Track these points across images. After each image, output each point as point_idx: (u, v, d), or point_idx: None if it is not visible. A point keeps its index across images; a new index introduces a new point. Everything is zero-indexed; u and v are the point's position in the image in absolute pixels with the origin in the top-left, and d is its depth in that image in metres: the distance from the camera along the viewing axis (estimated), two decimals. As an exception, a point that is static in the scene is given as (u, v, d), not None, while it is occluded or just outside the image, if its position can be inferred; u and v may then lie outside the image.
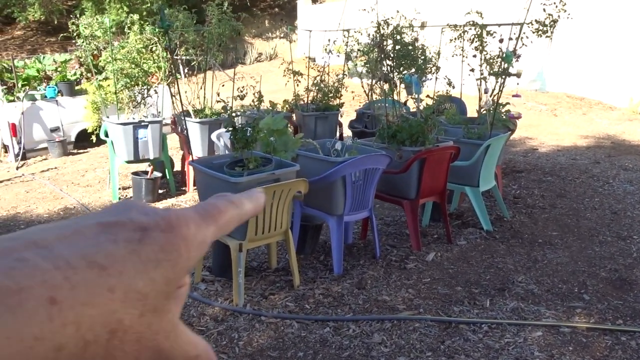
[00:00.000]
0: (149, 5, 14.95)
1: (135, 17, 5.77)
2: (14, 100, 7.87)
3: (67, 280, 0.24)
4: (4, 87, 8.13)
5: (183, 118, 5.19)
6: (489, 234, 4.32)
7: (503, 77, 4.86)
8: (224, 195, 0.33)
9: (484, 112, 5.06)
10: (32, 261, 0.24)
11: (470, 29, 4.98)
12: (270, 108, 5.85)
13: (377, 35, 4.46)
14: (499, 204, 4.73)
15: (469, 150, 4.32)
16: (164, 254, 0.27)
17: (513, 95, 5.17)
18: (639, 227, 4.43)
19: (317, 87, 6.26)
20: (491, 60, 5.04)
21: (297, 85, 6.24)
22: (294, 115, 6.19)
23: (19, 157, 7.56)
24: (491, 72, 4.98)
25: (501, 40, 4.70)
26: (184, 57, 6.05)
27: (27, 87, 8.34)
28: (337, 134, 6.26)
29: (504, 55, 4.70)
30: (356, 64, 6.73)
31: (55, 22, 15.95)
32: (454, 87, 4.96)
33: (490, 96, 4.89)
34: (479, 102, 5.21)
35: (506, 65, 4.88)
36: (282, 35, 17.89)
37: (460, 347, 2.80)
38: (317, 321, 3.03)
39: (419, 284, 3.49)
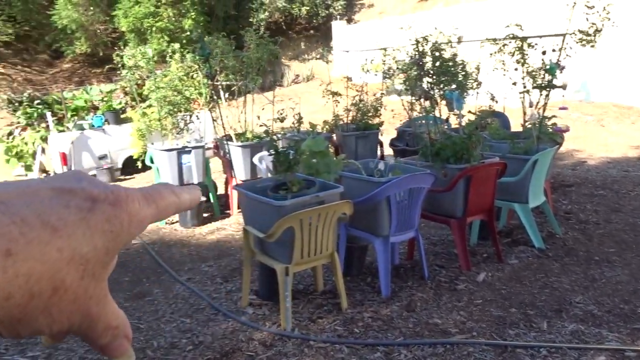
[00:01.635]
0: (188, 33, 15.39)
1: (176, 46, 5.94)
2: (64, 131, 8.20)
3: (22, 236, 0.26)
4: (55, 118, 8.48)
5: (225, 142, 5.26)
6: (541, 252, 4.16)
7: (547, 89, 4.73)
8: (166, 184, 0.36)
9: (529, 126, 4.93)
10: None
11: (510, 42, 4.89)
12: (310, 129, 5.87)
13: (416, 53, 4.43)
14: (549, 221, 4.57)
15: (515, 165, 4.20)
16: (109, 225, 0.29)
17: (560, 108, 5.02)
18: (703, 241, 4.18)
19: (356, 107, 6.26)
20: (534, 73, 4.92)
21: (336, 105, 6.25)
22: (334, 135, 6.19)
23: (69, 185, 7.83)
24: (534, 85, 4.86)
25: (544, 52, 4.59)
26: (224, 83, 6.17)
27: (76, 117, 8.68)
28: (378, 153, 6.22)
29: (548, 67, 4.58)
30: (394, 82, 6.70)
31: (101, 54, 16.62)
32: (497, 102, 4.86)
33: (535, 109, 4.76)
34: (524, 116, 5.08)
35: (550, 78, 4.75)
36: (318, 56, 18.06)
37: (518, 373, 2.68)
38: (367, 346, 2.96)
39: (471, 305, 3.37)
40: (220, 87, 6.25)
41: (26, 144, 8.57)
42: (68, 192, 0.29)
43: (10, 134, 8.97)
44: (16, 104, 8.93)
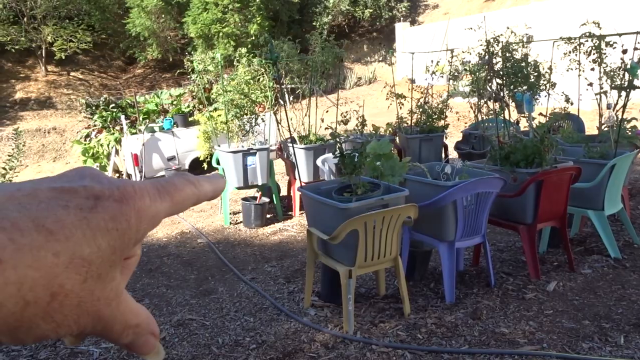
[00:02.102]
0: (253, 38, 15.74)
1: (243, 50, 6.08)
2: (136, 133, 8.59)
3: (12, 242, 0.24)
4: (128, 121, 8.90)
5: (290, 144, 5.33)
6: (617, 262, 3.93)
7: (627, 90, 4.47)
8: (184, 174, 0.33)
9: (606, 129, 4.67)
10: None
11: (587, 40, 4.66)
12: (374, 132, 5.84)
13: (486, 53, 4.31)
14: (627, 229, 4.31)
15: (591, 170, 3.99)
16: (114, 223, 0.28)
17: (641, 110, 4.71)
18: None
19: (420, 109, 6.17)
20: (612, 73, 4.67)
21: (401, 107, 6.19)
22: (397, 138, 6.13)
23: (141, 185, 8.19)
24: (613, 85, 4.61)
25: (624, 51, 4.33)
26: (289, 86, 6.26)
27: (147, 120, 9.07)
28: (443, 156, 6.10)
29: (628, 67, 4.32)
30: (458, 84, 6.54)
31: (170, 60, 17.32)
32: (572, 104, 4.64)
33: (614, 111, 4.51)
34: (599, 119, 4.83)
35: (630, 78, 4.49)
36: (380, 59, 17.98)
37: (593, 389, 2.54)
38: (430, 352, 2.91)
39: (541, 316, 3.23)
40: (285, 90, 6.34)
41: (101, 145, 9.04)
42: (68, 191, 0.28)
43: (87, 136, 9.50)
44: (93, 108, 9.44)
